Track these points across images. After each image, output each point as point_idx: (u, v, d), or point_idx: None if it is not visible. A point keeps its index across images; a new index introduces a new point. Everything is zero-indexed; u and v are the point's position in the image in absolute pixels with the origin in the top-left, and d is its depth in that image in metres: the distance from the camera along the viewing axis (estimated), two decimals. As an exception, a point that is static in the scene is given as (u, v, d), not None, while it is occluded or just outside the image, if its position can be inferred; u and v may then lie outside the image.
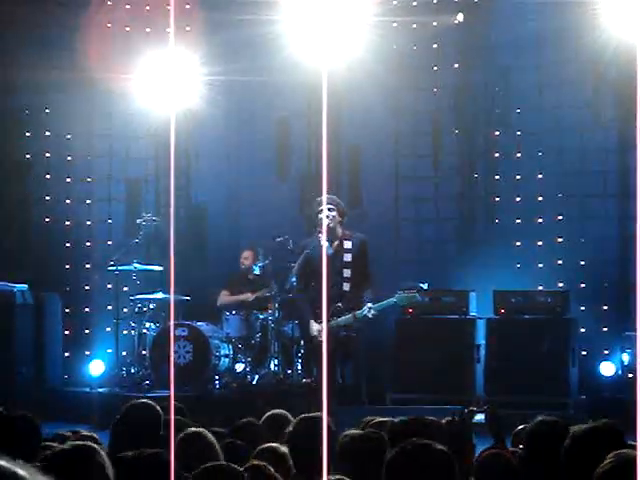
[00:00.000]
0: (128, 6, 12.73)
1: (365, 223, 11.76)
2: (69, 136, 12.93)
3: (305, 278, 9.88)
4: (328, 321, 9.56)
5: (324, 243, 9.47)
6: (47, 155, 12.92)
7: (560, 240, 12.08)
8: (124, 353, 12.25)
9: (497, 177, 12.61)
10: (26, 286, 12.05)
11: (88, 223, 13.05)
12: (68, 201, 12.99)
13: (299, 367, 11.50)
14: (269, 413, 6.07)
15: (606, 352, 11.68)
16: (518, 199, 12.38)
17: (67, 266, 12.90)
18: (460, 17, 12.35)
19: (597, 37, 10.58)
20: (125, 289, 12.32)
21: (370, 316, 9.58)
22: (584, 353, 11.66)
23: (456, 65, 12.72)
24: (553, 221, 12.16)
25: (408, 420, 5.04)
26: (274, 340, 11.68)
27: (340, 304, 9.69)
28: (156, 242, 12.60)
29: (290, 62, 11.20)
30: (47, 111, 12.80)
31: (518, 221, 12.33)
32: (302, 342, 10.96)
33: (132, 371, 11.86)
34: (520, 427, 5.82)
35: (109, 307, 12.52)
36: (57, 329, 12.55)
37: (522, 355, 11.26)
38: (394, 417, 5.57)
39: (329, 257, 9.62)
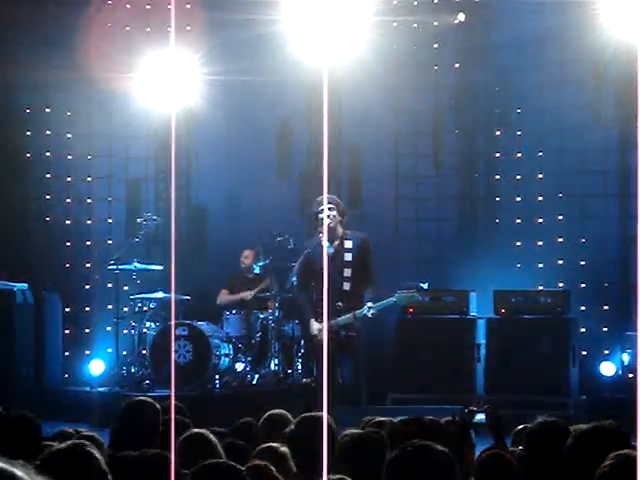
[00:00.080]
0: (128, 6, 12.73)
1: (365, 223, 11.75)
2: (69, 135, 12.92)
3: (305, 277, 9.87)
4: (328, 321, 9.55)
5: (325, 242, 9.46)
6: (47, 154, 12.91)
7: (560, 240, 12.09)
8: (124, 352, 12.23)
9: (497, 177, 12.62)
10: (26, 285, 12.04)
11: (88, 222, 13.04)
12: (68, 200, 12.98)
13: (299, 367, 11.50)
14: (269, 413, 6.06)
15: (606, 352, 11.68)
16: (518, 199, 12.38)
17: (67, 265, 12.88)
18: (461, 17, 12.35)
19: (597, 37, 10.59)
20: (125, 288, 12.30)
21: (370, 315, 9.57)
22: (584, 353, 11.67)
23: (456, 65, 12.72)
24: (553, 221, 12.16)
25: (408, 420, 5.05)
26: (274, 340, 11.68)
27: (340, 303, 9.69)
28: (156, 241, 12.61)
29: (290, 62, 11.21)
30: (47, 110, 12.80)
31: (518, 221, 12.34)
32: (302, 342, 10.96)
33: (132, 370, 11.85)
34: (520, 427, 5.82)
35: (109, 306, 12.52)
36: (57, 328, 12.54)
37: (522, 355, 11.26)
38: (394, 417, 5.57)
39: (329, 256, 9.61)
